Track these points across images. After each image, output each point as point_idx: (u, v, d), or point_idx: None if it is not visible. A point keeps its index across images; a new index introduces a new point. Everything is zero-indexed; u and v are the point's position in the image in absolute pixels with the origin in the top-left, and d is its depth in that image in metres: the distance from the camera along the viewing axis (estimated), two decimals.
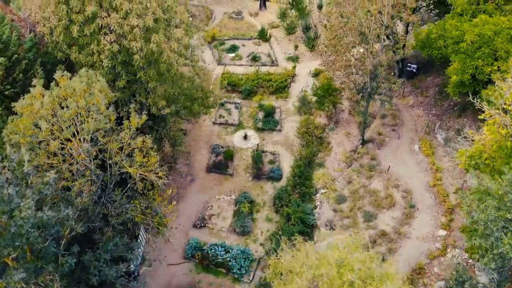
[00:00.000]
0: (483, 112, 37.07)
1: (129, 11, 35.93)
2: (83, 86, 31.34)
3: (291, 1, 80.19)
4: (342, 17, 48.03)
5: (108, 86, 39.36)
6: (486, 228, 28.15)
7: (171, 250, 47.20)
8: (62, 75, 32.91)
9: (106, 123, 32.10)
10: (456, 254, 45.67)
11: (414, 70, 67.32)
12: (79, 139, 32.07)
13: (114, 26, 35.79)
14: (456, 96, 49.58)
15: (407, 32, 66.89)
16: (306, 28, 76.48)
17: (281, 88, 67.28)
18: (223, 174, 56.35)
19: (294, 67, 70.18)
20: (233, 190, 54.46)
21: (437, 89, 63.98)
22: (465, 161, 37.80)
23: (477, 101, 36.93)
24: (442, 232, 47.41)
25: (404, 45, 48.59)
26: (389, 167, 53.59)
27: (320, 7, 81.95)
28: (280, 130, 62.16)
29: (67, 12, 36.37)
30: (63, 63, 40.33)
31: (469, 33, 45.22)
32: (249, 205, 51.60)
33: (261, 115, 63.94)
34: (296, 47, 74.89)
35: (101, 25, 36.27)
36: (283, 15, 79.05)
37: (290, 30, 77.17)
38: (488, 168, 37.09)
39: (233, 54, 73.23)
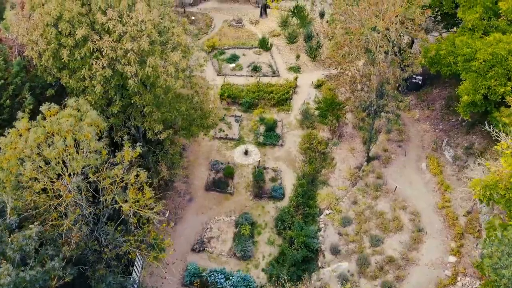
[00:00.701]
0: (499, 141, 34.53)
1: (122, 34, 33.31)
2: (71, 123, 28.72)
3: (292, 9, 77.39)
4: (348, 34, 45.42)
5: (101, 111, 36.99)
6: (510, 283, 25.72)
7: (169, 276, 44.71)
8: (49, 108, 30.24)
9: (97, 159, 29.51)
10: (467, 282, 43.22)
11: (420, 82, 64.85)
12: (69, 175, 29.48)
13: (106, 51, 33.15)
14: (467, 116, 46.97)
15: (412, 43, 64.43)
16: (308, 37, 73.79)
17: (282, 100, 64.69)
18: (222, 192, 53.83)
19: (296, 78, 67.59)
20: (233, 210, 51.97)
21: (443, 102, 61.43)
22: (480, 192, 35.25)
23: (493, 130, 34.32)
24: (452, 259, 44.92)
25: (412, 63, 46.00)
26: (395, 188, 51.06)
27: (322, 15, 79.21)
28: (282, 145, 59.64)
29: (56, 35, 33.70)
30: (53, 87, 37.70)
31: (481, 52, 42.59)
32: (250, 227, 49.16)
33: (262, 129, 61.42)
34: (297, 56, 72.28)
35: (93, 48, 33.59)
36: (284, 24, 76.30)
37: (291, 39, 74.49)
38: (504, 199, 34.62)
39: (233, 65, 70.59)
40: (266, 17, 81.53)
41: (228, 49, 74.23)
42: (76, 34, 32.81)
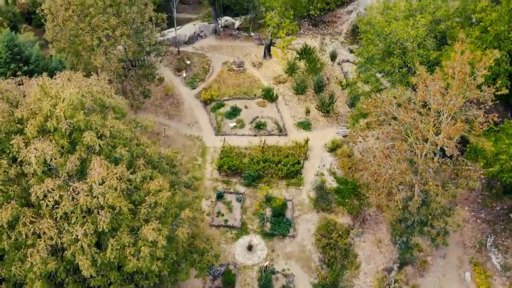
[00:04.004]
0: None
1: (69, 212, 20.99)
2: None
3: (299, 51, 64.53)
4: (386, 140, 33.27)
5: None
6: None
7: None
8: None
9: None
10: None
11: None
12: None
13: (45, 238, 20.89)
14: None
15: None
16: (319, 87, 61.18)
17: (292, 172, 52.24)
18: None
19: (307, 142, 55.12)
20: None
21: (484, 180, 49.22)
22: None
23: None
24: None
25: (468, 175, 34.00)
26: None
27: (333, 57, 66.48)
28: (293, 236, 47.40)
29: None
30: None
31: None
32: None
33: (268, 212, 49.14)
34: (307, 111, 59.67)
35: (27, 234, 21.29)
36: (291, 70, 63.46)
37: (299, 91, 61.66)
38: None
39: (234, 123, 58.06)
40: (270, 58, 68.51)
41: (228, 100, 61.69)
42: (2, 217, 20.49)
